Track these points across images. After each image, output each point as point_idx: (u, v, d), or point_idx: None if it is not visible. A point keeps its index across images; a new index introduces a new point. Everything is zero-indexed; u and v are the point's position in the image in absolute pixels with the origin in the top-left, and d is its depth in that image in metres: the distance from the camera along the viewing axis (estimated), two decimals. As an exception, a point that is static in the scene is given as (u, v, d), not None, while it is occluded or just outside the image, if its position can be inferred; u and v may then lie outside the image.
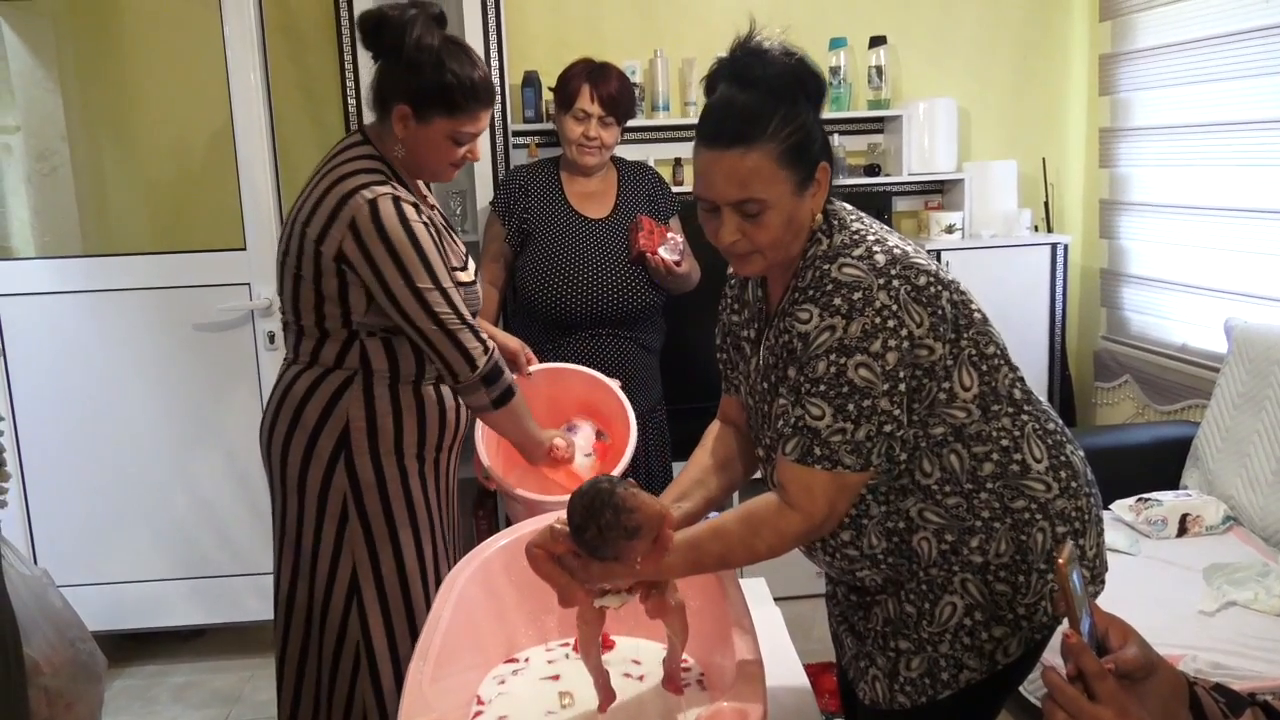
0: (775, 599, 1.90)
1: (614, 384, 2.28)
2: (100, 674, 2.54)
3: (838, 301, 1.27)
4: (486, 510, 3.37)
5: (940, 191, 3.63)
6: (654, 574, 1.31)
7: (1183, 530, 2.56)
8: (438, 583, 1.87)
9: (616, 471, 2.06)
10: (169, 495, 3.05)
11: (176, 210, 3.10)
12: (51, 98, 3.08)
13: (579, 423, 2.24)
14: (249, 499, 3.02)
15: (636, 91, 3.22)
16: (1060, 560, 0.90)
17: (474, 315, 1.91)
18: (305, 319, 1.82)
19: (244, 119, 2.85)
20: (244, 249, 2.91)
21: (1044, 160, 3.61)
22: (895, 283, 1.27)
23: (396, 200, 1.74)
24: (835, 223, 1.37)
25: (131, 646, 3.16)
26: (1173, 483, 2.79)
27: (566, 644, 1.61)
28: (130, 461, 3.02)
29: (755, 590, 1.89)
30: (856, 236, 1.34)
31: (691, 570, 1.34)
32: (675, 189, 3.05)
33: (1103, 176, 3.59)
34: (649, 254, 2.59)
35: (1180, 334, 3.25)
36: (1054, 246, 3.43)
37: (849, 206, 1.42)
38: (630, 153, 3.15)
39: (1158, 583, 2.31)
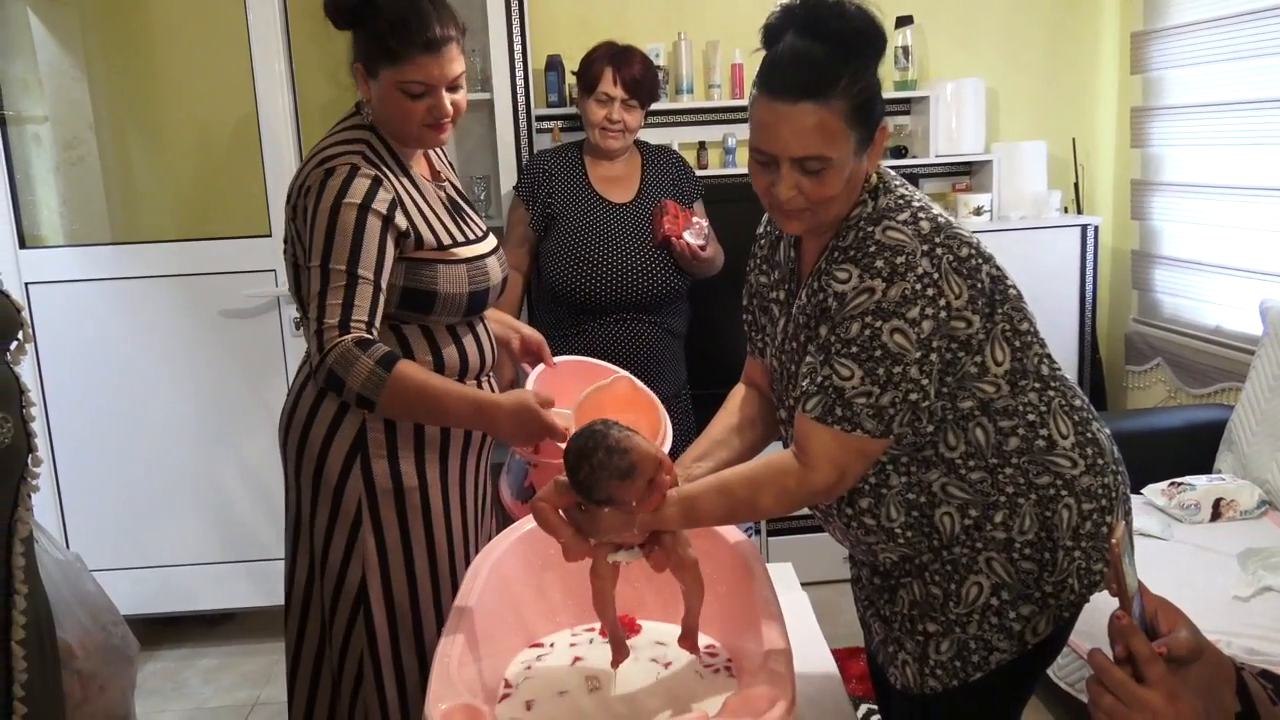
0: (802, 584, 1.88)
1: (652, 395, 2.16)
2: (133, 657, 2.57)
3: (879, 264, 1.25)
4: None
5: (968, 173, 3.59)
6: (653, 523, 1.29)
7: (1216, 515, 2.53)
8: (453, 595, 1.73)
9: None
10: (199, 480, 3.07)
11: (203, 197, 3.11)
12: (79, 87, 3.10)
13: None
14: (277, 484, 3.02)
15: (660, 75, 3.20)
16: (1113, 540, 0.89)
17: (484, 292, 1.78)
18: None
19: (269, 105, 2.86)
20: (269, 235, 2.92)
21: (1074, 141, 3.56)
22: (939, 251, 1.25)
23: (352, 172, 1.63)
24: (880, 185, 1.34)
25: (162, 630, 3.19)
26: (1206, 467, 2.75)
27: (593, 629, 1.60)
28: (160, 447, 3.04)
29: (783, 575, 1.87)
30: (901, 201, 1.32)
31: (694, 522, 1.33)
32: (699, 173, 3.04)
33: (1134, 156, 3.53)
34: (673, 238, 2.57)
35: (1214, 316, 3.19)
36: (1084, 228, 3.38)
37: (892, 171, 1.39)
38: (654, 136, 3.13)
39: (1191, 568, 2.28)
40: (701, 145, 3.41)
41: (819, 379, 1.27)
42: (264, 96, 2.86)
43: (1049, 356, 1.38)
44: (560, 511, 1.33)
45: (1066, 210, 3.54)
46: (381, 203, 1.63)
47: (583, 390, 2.02)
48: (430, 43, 1.65)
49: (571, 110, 3.19)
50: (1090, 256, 3.38)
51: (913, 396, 1.26)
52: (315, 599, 1.79)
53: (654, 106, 2.77)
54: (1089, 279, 3.41)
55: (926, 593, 1.39)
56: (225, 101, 2.99)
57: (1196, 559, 2.34)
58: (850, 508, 1.39)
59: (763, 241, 1.54)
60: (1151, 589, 0.95)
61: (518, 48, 3.04)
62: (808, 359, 1.32)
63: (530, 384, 1.98)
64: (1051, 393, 1.36)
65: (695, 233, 2.60)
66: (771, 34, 1.30)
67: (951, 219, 1.32)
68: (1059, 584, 1.35)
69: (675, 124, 3.42)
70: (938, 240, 1.26)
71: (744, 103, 3.37)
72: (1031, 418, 1.34)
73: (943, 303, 1.24)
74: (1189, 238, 3.30)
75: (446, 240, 1.73)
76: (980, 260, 1.29)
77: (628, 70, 2.58)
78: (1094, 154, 3.65)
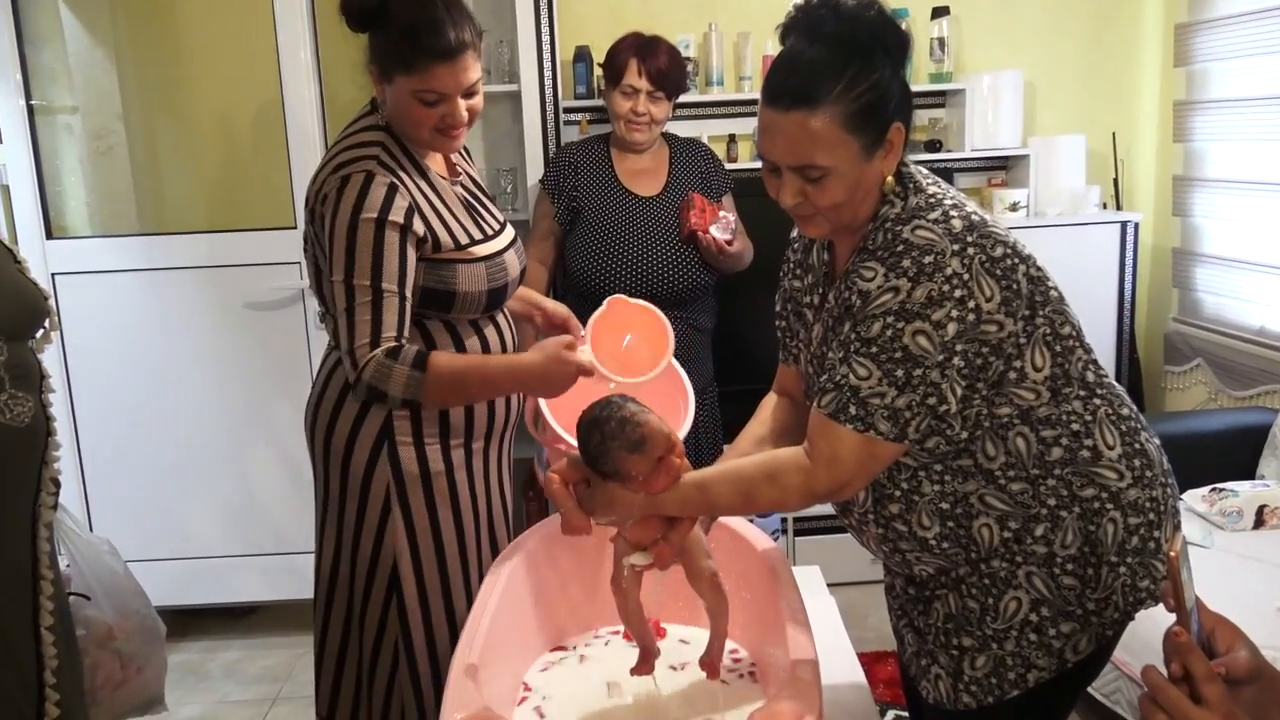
0: (829, 585, 1.85)
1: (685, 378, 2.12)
2: (163, 639, 2.58)
3: (906, 263, 1.20)
4: (537, 491, 3.34)
5: (1004, 168, 3.51)
6: (657, 505, 1.28)
7: (1259, 522, 2.45)
8: (480, 578, 1.77)
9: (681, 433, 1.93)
10: (223, 472, 3.06)
11: (228, 189, 3.11)
12: (108, 76, 3.10)
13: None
14: (302, 477, 3.00)
15: (690, 66, 3.16)
16: (1172, 553, 0.85)
17: (502, 288, 1.77)
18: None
19: (294, 96, 2.85)
20: (294, 227, 2.91)
21: (1114, 135, 3.47)
22: (970, 250, 1.20)
23: (368, 180, 1.61)
24: (910, 185, 1.30)
25: (185, 621, 3.19)
26: (1248, 472, 2.67)
27: (617, 631, 1.58)
28: (184, 438, 3.04)
29: (809, 579, 1.83)
30: (933, 200, 1.27)
31: (698, 509, 1.31)
32: (729, 166, 2.99)
33: (1176, 151, 3.44)
34: (700, 233, 2.53)
35: (1258, 316, 3.10)
36: (1124, 225, 3.30)
37: (924, 170, 1.35)
38: (683, 129, 3.08)
39: (1233, 577, 2.21)
40: (732, 138, 3.36)
41: (836, 376, 1.24)
42: (290, 88, 2.84)
43: (1094, 362, 1.32)
44: (569, 485, 1.32)
45: (1105, 206, 3.45)
46: (399, 211, 1.62)
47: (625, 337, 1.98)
48: (446, 52, 1.62)
49: (599, 102, 3.14)
50: (1130, 254, 3.30)
51: (931, 401, 1.21)
52: (341, 588, 1.80)
53: (684, 98, 2.73)
54: (1128, 277, 3.33)
55: (963, 606, 1.34)
56: (251, 93, 2.98)
57: (1240, 568, 2.27)
58: (880, 514, 1.35)
59: (796, 245, 1.50)
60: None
61: (545, 39, 3.01)
62: (829, 356, 1.29)
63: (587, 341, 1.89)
64: (1097, 400, 1.30)
65: (722, 227, 2.55)
66: (781, 37, 1.28)
67: (987, 217, 1.27)
68: (1102, 601, 1.30)
69: (705, 116, 3.38)
70: (970, 239, 1.21)
71: (775, 95, 3.33)
72: (1076, 427, 1.29)
73: (972, 305, 1.19)
74: (1232, 235, 3.21)
75: (464, 240, 1.72)
76: (1016, 260, 1.23)
77: (653, 61, 2.54)
78: (1134, 149, 3.56)
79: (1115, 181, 3.47)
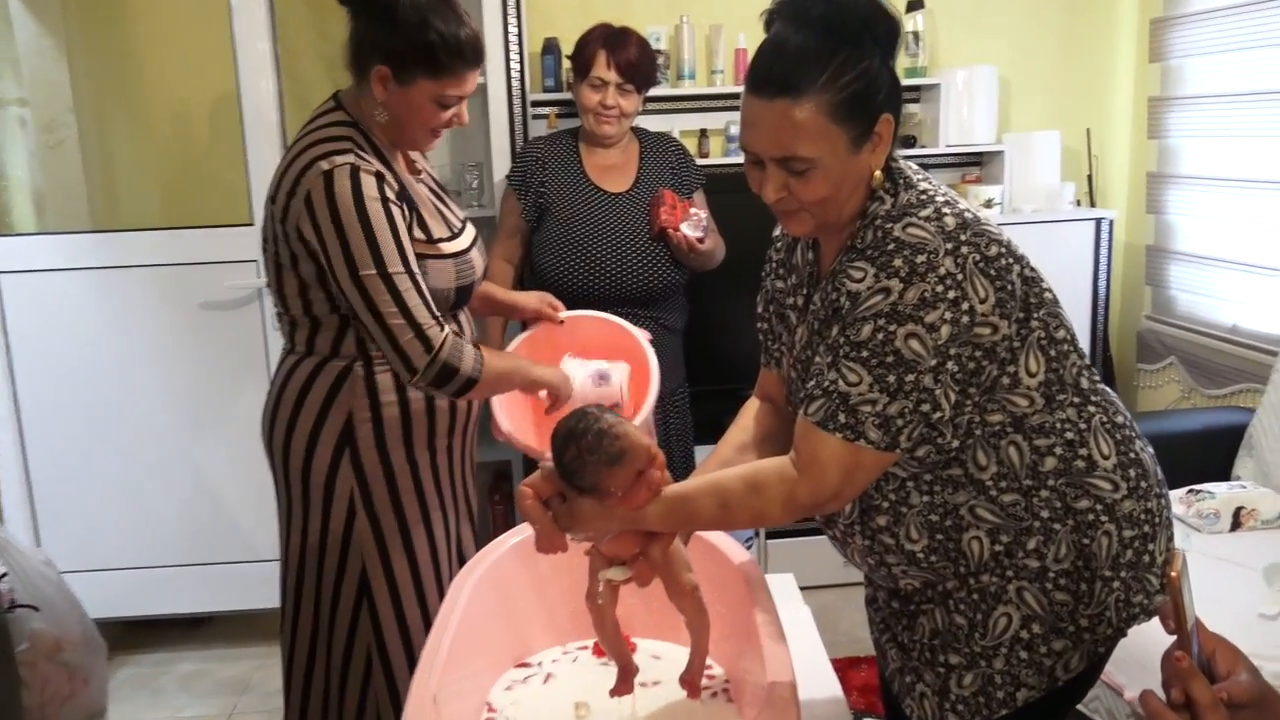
0: (801, 588, 1.80)
1: (642, 335, 2.14)
2: (104, 650, 2.58)
3: (898, 263, 1.14)
4: (503, 494, 3.27)
5: (979, 164, 3.47)
6: (636, 520, 1.22)
7: (1236, 524, 2.42)
8: (452, 576, 1.76)
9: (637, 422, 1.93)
10: (176, 478, 2.96)
11: (182, 184, 3.00)
12: (58, 68, 2.99)
13: (605, 366, 2.04)
14: (257, 483, 2.90)
15: (661, 59, 3.10)
16: (1173, 572, 0.81)
17: (468, 287, 1.78)
18: (293, 307, 1.71)
19: (251, 89, 2.74)
20: (251, 224, 2.81)
21: (1088, 131, 3.45)
22: (964, 249, 1.14)
23: (355, 171, 1.60)
24: (900, 181, 1.24)
25: (138, 633, 3.08)
26: (1224, 473, 2.64)
27: (585, 646, 1.53)
28: (136, 444, 2.93)
29: (783, 587, 1.78)
30: (924, 196, 1.21)
31: (678, 524, 1.25)
32: (700, 162, 2.92)
33: (1151, 148, 3.42)
34: (671, 230, 2.47)
35: (1231, 314, 3.09)
36: (1098, 222, 3.27)
37: (914, 165, 1.29)
38: (654, 123, 3.02)
39: (1212, 582, 2.17)
40: (703, 133, 3.30)
41: (824, 382, 1.18)
42: (247, 79, 2.73)
43: (1089, 368, 1.27)
44: (542, 500, 1.26)
45: (1079, 203, 3.43)
46: (391, 193, 1.64)
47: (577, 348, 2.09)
48: (477, 57, 1.68)
49: (568, 96, 3.07)
50: (1105, 251, 3.28)
51: (924, 408, 1.15)
52: (308, 597, 1.77)
53: (654, 92, 2.67)
54: (1103, 274, 3.30)
55: (950, 621, 1.28)
56: (207, 84, 2.88)
57: (1218, 572, 2.23)
58: (867, 525, 1.29)
59: (779, 244, 1.44)
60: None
61: (513, 30, 2.93)
62: (816, 360, 1.23)
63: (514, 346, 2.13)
64: (1092, 408, 1.25)
65: (693, 224, 2.49)
66: (766, 22, 1.22)
67: (980, 214, 1.22)
68: (1095, 617, 1.24)
69: (676, 111, 3.31)
70: (963, 238, 1.15)
71: (748, 89, 3.27)
72: (1070, 436, 1.23)
73: (965, 306, 1.14)
74: (1206, 233, 3.20)
75: (435, 235, 1.71)
76: (1011, 260, 1.18)
77: (623, 53, 2.47)
78: (1108, 145, 3.54)
79: (1089, 178, 3.45)
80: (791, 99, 1.14)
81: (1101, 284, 3.31)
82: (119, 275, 2.86)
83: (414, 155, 1.83)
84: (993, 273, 1.15)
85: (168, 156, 2.98)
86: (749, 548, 2.97)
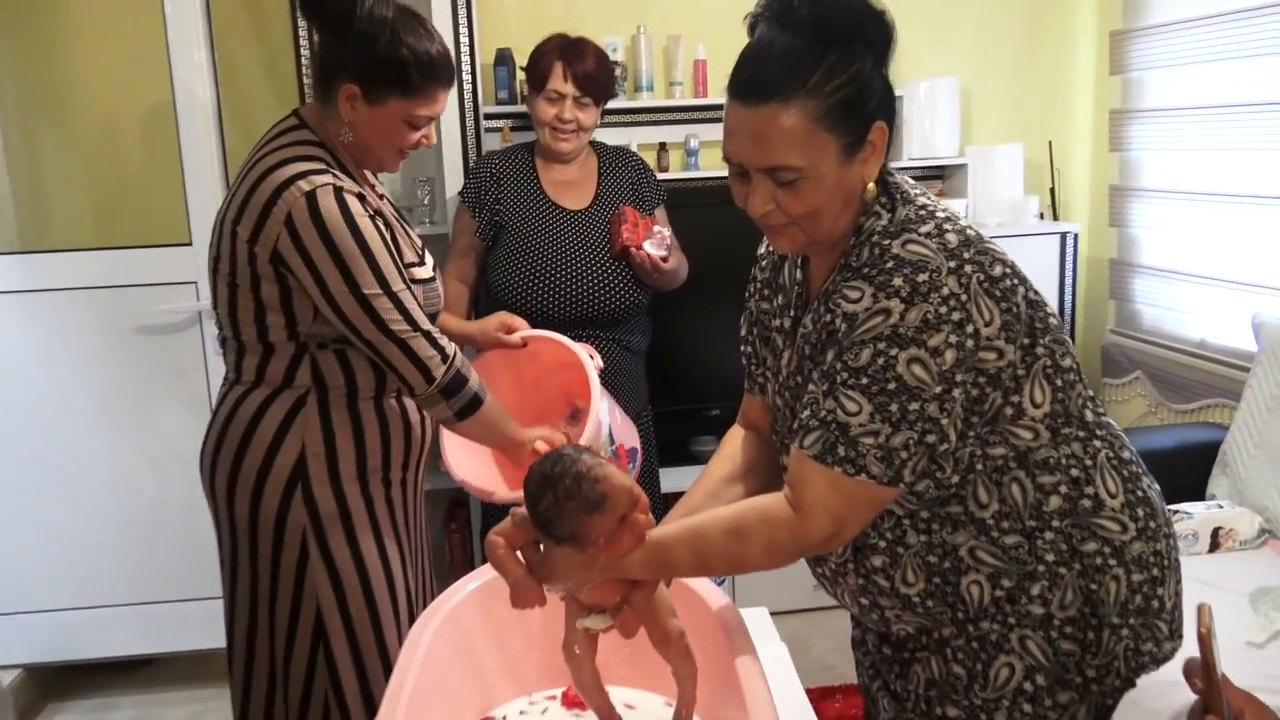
0: (770, 613, 1.70)
1: (583, 351, 2.04)
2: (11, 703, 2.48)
3: (897, 282, 1.06)
4: (459, 523, 3.15)
5: (941, 177, 3.43)
6: (618, 569, 1.14)
7: (1215, 545, 2.37)
8: (413, 619, 1.69)
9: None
10: (110, 514, 2.81)
11: (116, 201, 2.84)
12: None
13: (582, 406, 1.98)
14: (197, 518, 2.76)
15: (617, 71, 3.01)
16: (1203, 629, 0.78)
17: (434, 315, 1.74)
18: (245, 333, 1.61)
19: (188, 100, 2.62)
20: (189, 244, 2.67)
21: (1050, 144, 3.41)
22: (967, 268, 1.06)
23: (339, 191, 1.55)
24: (898, 195, 1.16)
25: (72, 679, 2.92)
26: (1198, 492, 2.60)
27: (554, 696, 1.43)
28: (66, 478, 2.78)
29: (757, 621, 1.68)
30: (924, 212, 1.13)
31: (661, 572, 1.16)
32: (660, 176, 2.83)
33: (1113, 161, 3.40)
34: (633, 249, 2.37)
35: (1197, 328, 3.06)
36: (1063, 236, 3.23)
37: (910, 180, 1.21)
38: (611, 137, 2.93)
39: (1194, 606, 2.12)
40: (662, 146, 3.22)
41: (821, 412, 1.09)
42: (182, 90, 2.60)
43: (1093, 399, 1.19)
44: (516, 550, 1.16)
45: (1043, 216, 3.39)
46: (374, 210, 1.60)
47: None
48: (450, 77, 1.65)
49: (522, 108, 2.98)
50: (1070, 265, 3.24)
51: (930, 438, 1.07)
52: (262, 641, 1.69)
53: (611, 105, 2.57)
54: (1068, 289, 3.27)
55: (947, 671, 1.20)
56: (140, 95, 2.72)
57: (1200, 596, 2.12)
58: (861, 565, 1.20)
59: (764, 263, 1.36)
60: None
61: (464, 40, 2.83)
62: (810, 388, 1.14)
63: None
64: (1098, 443, 1.18)
65: (657, 242, 2.39)
66: (750, 25, 1.14)
67: (982, 232, 1.14)
68: (1103, 667, 1.17)
69: (634, 124, 3.22)
70: (966, 256, 1.07)
71: (708, 101, 3.20)
72: (1075, 473, 1.16)
73: (970, 329, 1.06)
74: (1170, 246, 3.17)
75: (407, 259, 1.67)
76: (1016, 281, 1.10)
77: (580, 65, 2.37)
78: (1070, 158, 3.51)
79: (1052, 191, 3.42)
80: (778, 104, 1.07)
81: (1067, 298, 3.27)
82: (46, 299, 2.71)
83: (375, 183, 1.78)
84: (998, 293, 1.07)
85: (98, 171, 2.82)
86: (719, 582, 2.87)
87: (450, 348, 1.63)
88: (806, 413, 1.12)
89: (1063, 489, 1.15)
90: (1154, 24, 3.13)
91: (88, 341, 2.73)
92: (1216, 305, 2.97)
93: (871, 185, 1.14)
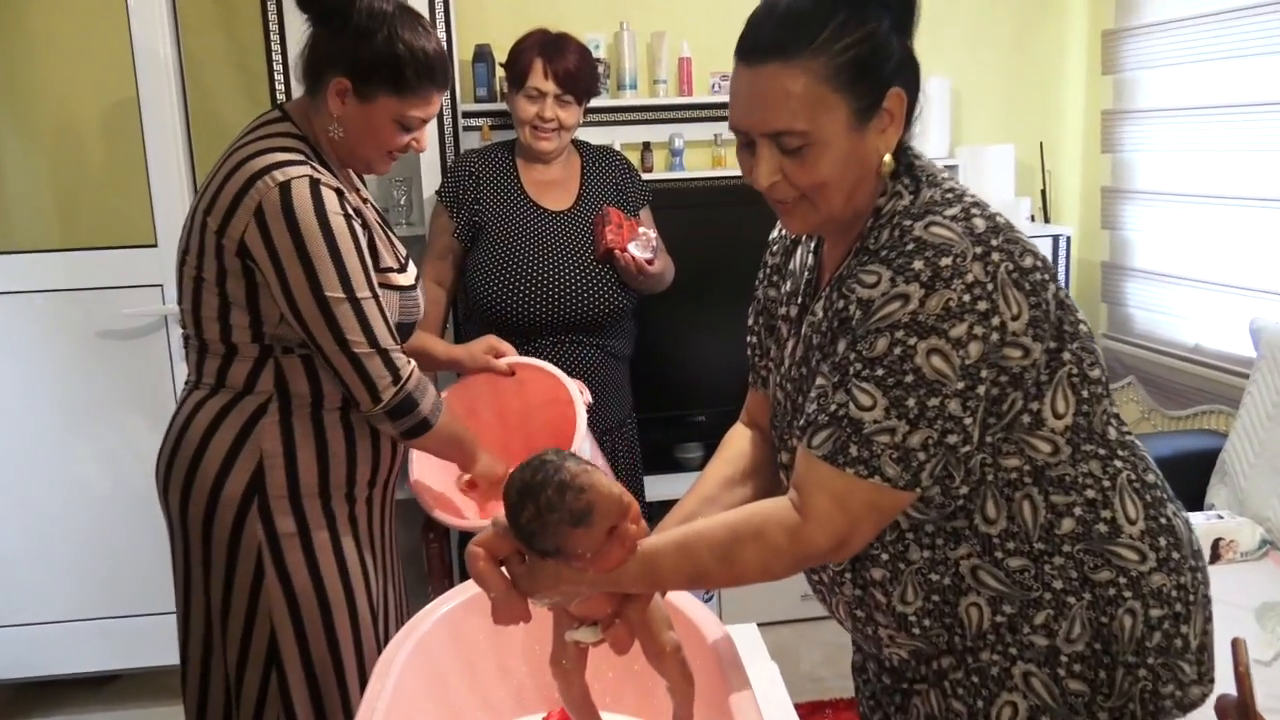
0: (758, 624, 1.63)
1: (574, 386, 1.95)
2: None
3: (918, 265, 0.98)
4: (438, 533, 3.05)
5: (931, 179, 3.35)
6: (609, 582, 1.06)
7: (1215, 557, 2.31)
8: (378, 648, 1.61)
9: None
10: (72, 525, 2.71)
11: (77, 200, 2.74)
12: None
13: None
14: (164, 529, 2.69)
15: (601, 68, 2.93)
16: (1240, 667, 0.73)
17: (412, 325, 1.67)
18: (208, 331, 1.54)
19: (152, 97, 2.53)
20: (154, 245, 2.57)
21: (1041, 145, 3.35)
22: (995, 256, 0.98)
23: (315, 184, 1.47)
24: (923, 178, 1.08)
25: (35, 695, 2.82)
26: (1196, 501, 2.54)
27: None
28: (27, 489, 2.68)
29: (746, 639, 1.60)
30: (951, 195, 1.05)
31: (655, 585, 1.08)
32: (645, 176, 2.76)
33: (1104, 162, 3.33)
34: (617, 251, 2.29)
35: (1192, 333, 3.00)
36: (1056, 239, 3.17)
37: (937, 164, 1.14)
38: (594, 136, 2.85)
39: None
40: (646, 146, 3.13)
41: (830, 406, 1.01)
42: (146, 87, 2.51)
43: (1117, 416, 1.11)
44: (498, 561, 1.08)
45: (1034, 219, 3.33)
46: (350, 210, 1.52)
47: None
48: (445, 79, 1.60)
49: (502, 106, 2.89)
50: (1063, 269, 3.18)
51: (951, 439, 0.99)
52: (217, 662, 1.62)
53: (594, 103, 2.49)
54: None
55: (946, 707, 1.12)
56: (102, 91, 2.63)
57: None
58: (859, 575, 1.12)
59: (775, 248, 1.29)
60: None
61: (442, 36, 2.73)
62: (819, 381, 1.05)
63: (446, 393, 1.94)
64: (1119, 463, 1.09)
65: (642, 244, 2.32)
66: None
67: (1012, 222, 1.05)
68: (1117, 711, 1.08)
69: (617, 123, 3.14)
70: (995, 243, 0.99)
71: (693, 100, 3.12)
72: (1091, 494, 1.07)
73: (996, 321, 0.97)
74: (1164, 249, 3.11)
75: (385, 263, 1.60)
76: (1046, 277, 1.02)
77: (560, 62, 2.29)
78: (1061, 159, 3.45)
79: (1043, 193, 3.36)
80: (782, 63, 1.00)
81: (1059, 302, 3.21)
82: (5, 302, 2.61)
83: (359, 186, 1.71)
84: (1027, 286, 0.99)
85: (58, 170, 2.73)
86: (707, 599, 2.79)
87: (406, 369, 1.55)
88: (814, 407, 1.04)
89: (1077, 510, 1.07)
90: (1147, 23, 3.07)
91: (48, 346, 2.64)
92: (1211, 310, 2.91)
93: (888, 159, 1.06)
